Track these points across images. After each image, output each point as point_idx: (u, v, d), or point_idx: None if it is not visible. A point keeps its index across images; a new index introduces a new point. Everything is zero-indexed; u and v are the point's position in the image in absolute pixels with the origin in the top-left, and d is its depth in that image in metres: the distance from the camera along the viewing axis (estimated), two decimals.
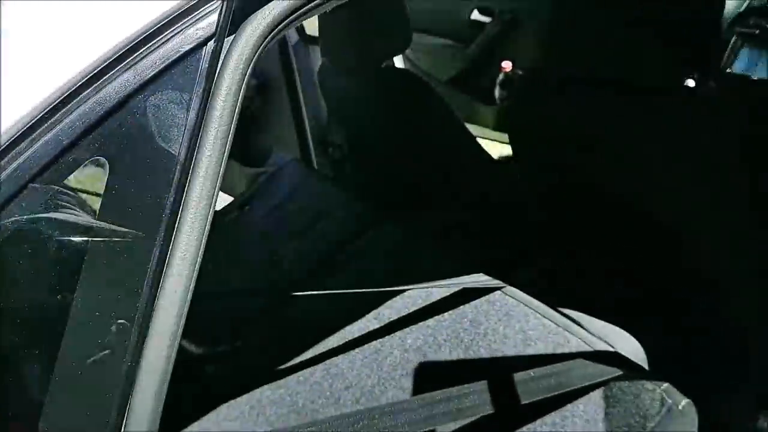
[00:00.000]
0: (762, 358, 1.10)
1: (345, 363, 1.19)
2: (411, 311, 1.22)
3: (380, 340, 1.20)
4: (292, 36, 2.04)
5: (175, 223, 0.58)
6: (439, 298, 1.21)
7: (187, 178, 0.58)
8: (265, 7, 0.60)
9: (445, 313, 1.18)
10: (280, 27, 0.61)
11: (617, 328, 1.06)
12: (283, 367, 1.24)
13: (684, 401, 0.90)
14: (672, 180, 0.99)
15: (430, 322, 1.18)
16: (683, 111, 0.95)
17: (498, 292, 1.16)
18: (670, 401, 0.89)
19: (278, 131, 2.33)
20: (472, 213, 1.48)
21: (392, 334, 1.20)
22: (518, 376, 1.00)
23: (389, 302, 1.26)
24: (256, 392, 1.21)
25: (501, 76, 2.59)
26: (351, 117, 1.75)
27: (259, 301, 1.43)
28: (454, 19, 2.95)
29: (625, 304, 1.12)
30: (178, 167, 0.57)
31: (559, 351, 1.02)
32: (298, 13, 0.61)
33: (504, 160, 2.06)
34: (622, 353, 0.99)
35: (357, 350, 1.20)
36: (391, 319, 1.22)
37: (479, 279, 1.19)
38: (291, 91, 2.16)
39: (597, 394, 0.95)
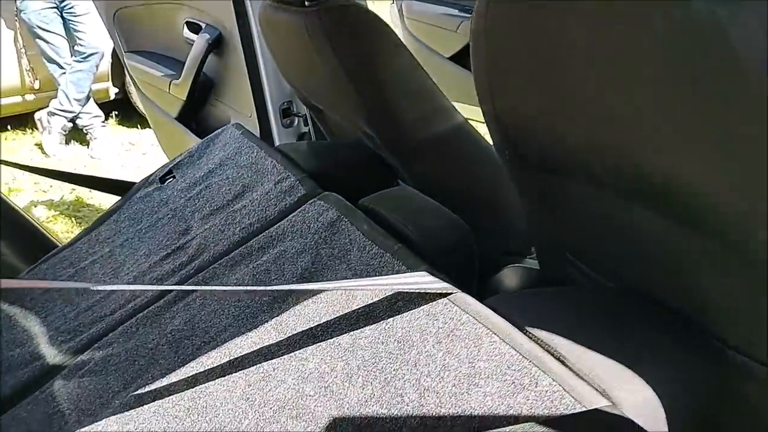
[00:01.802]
0: None
1: (220, 392, 0.82)
2: (321, 322, 0.85)
3: (273, 361, 0.83)
4: None
5: None
6: (363, 304, 0.84)
7: None
8: None
9: (367, 328, 0.81)
10: None
11: (620, 368, 0.67)
12: (139, 392, 0.88)
13: None
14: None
15: (345, 339, 0.81)
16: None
17: (444, 300, 0.78)
18: None
19: (237, 98, 1.97)
20: (433, 190, 1.10)
21: (290, 354, 0.82)
22: None
23: (297, 307, 0.89)
24: (99, 424, 0.84)
25: None
26: (295, 70, 1.38)
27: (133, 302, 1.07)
28: None
29: (633, 329, 0.74)
30: None
31: (520, 397, 0.64)
32: None
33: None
34: (624, 409, 0.61)
35: (240, 374, 0.83)
36: (294, 332, 0.85)
37: (421, 280, 0.82)
38: (248, 50, 1.80)
39: None
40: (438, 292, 0.78)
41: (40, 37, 3.71)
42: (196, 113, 2.08)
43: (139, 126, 4.32)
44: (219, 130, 1.52)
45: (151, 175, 1.49)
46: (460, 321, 0.75)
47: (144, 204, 1.39)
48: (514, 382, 0.65)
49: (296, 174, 1.21)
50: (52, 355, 1.05)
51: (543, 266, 1.06)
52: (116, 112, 4.44)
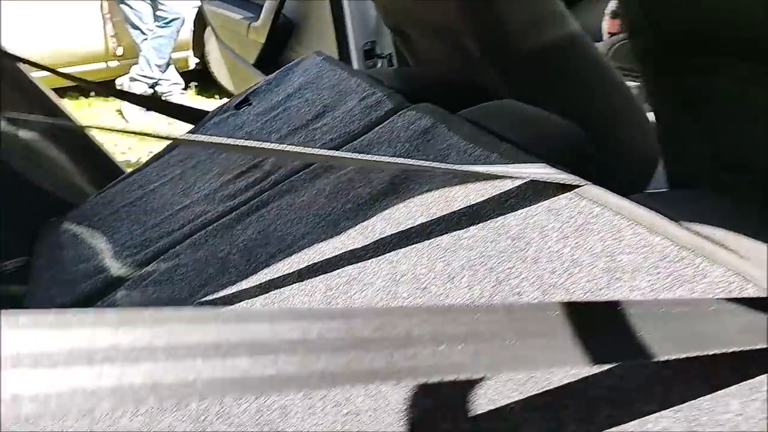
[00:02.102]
0: None
1: (297, 296, 0.71)
2: (417, 223, 0.72)
3: (358, 264, 0.71)
4: None
5: None
6: (465, 205, 0.71)
7: None
8: None
9: (472, 227, 0.67)
10: None
11: None
12: (206, 299, 0.78)
13: None
14: None
15: (445, 240, 0.68)
16: None
17: (569, 194, 0.64)
18: None
19: (318, 39, 1.87)
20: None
21: (379, 257, 0.70)
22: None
23: (386, 212, 0.77)
24: None
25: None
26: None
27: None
28: None
29: None
30: None
31: (682, 291, 0.49)
32: None
33: None
34: None
35: (320, 278, 0.72)
36: (385, 234, 0.73)
37: (540, 170, 0.68)
38: None
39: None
40: (565, 183, 0.64)
41: (124, 3, 3.73)
42: (276, 59, 2.00)
43: (217, 96, 4.32)
44: (299, 58, 1.42)
45: (225, 103, 1.41)
46: (592, 214, 0.61)
47: (218, 129, 1.31)
48: (671, 275, 0.51)
49: (383, 90, 1.09)
50: (116, 268, 0.97)
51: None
52: (195, 83, 4.45)
